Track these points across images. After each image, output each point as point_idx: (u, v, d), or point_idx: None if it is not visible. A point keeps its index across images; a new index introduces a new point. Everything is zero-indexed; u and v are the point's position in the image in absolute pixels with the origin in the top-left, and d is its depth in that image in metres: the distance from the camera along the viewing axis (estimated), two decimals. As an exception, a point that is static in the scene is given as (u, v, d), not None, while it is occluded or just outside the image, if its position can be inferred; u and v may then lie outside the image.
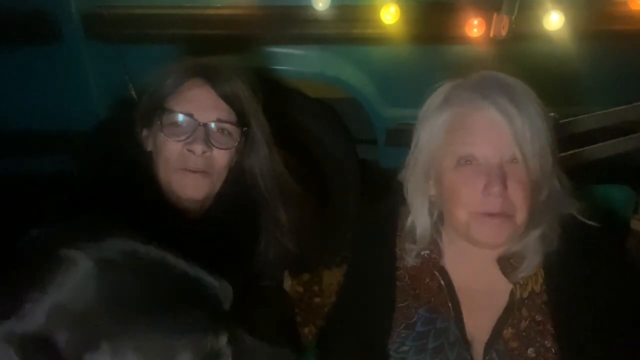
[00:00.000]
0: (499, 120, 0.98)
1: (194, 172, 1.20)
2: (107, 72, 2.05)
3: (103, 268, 0.64)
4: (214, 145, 1.20)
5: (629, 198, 1.41)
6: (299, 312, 2.40)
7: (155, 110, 1.22)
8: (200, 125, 1.19)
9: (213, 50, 1.76)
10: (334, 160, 2.38)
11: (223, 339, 0.73)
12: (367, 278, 1.20)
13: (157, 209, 1.22)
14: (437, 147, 1.06)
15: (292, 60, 2.10)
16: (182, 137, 1.19)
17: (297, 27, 2.03)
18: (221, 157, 1.22)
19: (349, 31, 2.04)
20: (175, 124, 1.19)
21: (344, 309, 1.27)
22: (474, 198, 1.01)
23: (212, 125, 1.20)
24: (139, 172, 1.23)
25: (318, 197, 2.29)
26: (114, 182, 1.18)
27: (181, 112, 1.19)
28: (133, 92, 1.80)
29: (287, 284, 1.49)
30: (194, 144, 1.18)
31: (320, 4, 1.93)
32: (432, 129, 1.06)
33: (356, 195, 2.49)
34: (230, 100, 1.22)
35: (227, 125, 1.22)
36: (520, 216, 1.01)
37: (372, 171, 2.53)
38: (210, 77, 1.22)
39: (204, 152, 1.19)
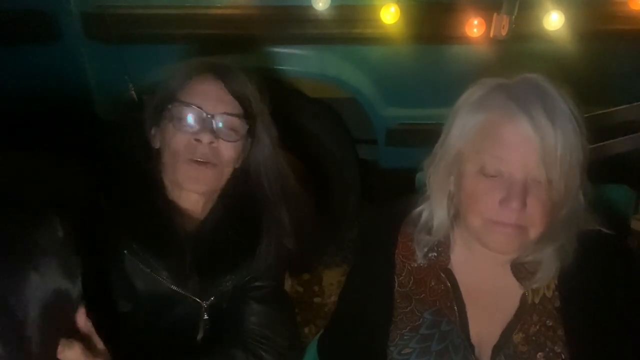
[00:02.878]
0: (531, 137, 0.96)
1: (200, 164, 1.21)
2: (107, 72, 2.05)
3: None
4: (220, 137, 1.22)
5: (629, 198, 1.40)
6: (299, 312, 2.40)
7: (165, 105, 1.23)
8: (207, 116, 1.21)
9: (213, 50, 1.76)
10: (334, 160, 2.38)
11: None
12: (366, 284, 1.19)
13: (161, 208, 1.23)
14: (464, 147, 1.05)
15: (292, 60, 2.09)
16: (190, 128, 1.21)
17: (297, 27, 2.02)
18: (227, 150, 1.23)
19: (349, 31, 2.03)
20: (184, 115, 1.21)
21: (343, 312, 1.27)
22: (491, 208, 1.00)
23: (219, 117, 1.22)
24: (145, 171, 1.25)
25: (318, 197, 2.29)
26: (120, 181, 1.20)
27: (190, 104, 1.21)
28: (133, 92, 1.80)
29: (287, 284, 1.49)
30: (201, 133, 1.20)
31: (320, 4, 1.93)
32: (463, 128, 1.04)
33: (356, 195, 2.49)
34: (238, 95, 1.24)
35: (233, 119, 1.23)
36: (535, 231, 1.00)
37: (372, 171, 2.53)
38: (220, 73, 1.24)
39: (210, 142, 1.21)
